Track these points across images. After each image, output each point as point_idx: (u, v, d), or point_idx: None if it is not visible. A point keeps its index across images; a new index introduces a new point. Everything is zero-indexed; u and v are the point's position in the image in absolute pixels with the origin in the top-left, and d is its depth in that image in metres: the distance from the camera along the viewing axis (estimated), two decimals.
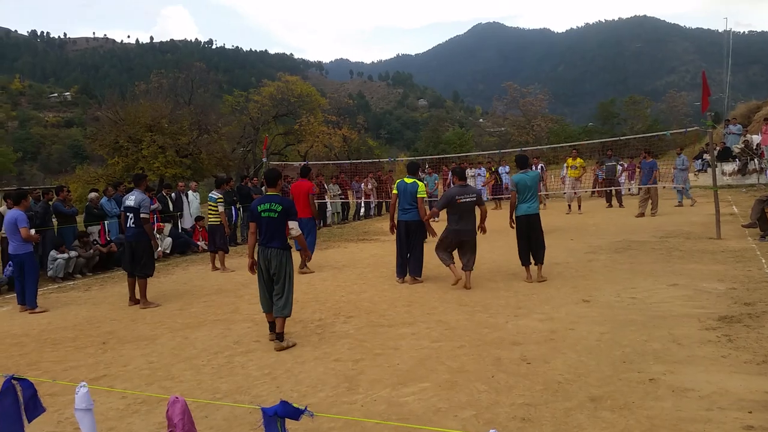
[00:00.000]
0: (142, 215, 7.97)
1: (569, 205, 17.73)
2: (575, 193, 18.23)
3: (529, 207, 8.12)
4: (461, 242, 7.98)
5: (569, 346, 5.26)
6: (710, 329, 5.43)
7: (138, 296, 8.17)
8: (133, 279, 8.22)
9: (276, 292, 5.79)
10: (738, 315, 5.81)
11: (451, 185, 8.37)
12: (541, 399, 4.12)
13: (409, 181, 8.62)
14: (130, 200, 8.08)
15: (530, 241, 8.09)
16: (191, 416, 2.59)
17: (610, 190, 18.68)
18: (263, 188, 15.76)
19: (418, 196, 8.48)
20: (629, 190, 20.73)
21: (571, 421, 3.75)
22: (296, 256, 6.28)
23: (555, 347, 5.22)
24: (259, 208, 5.80)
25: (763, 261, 8.45)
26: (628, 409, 3.85)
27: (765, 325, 5.41)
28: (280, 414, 2.34)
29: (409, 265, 8.72)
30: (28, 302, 8.17)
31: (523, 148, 23.75)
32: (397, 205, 8.73)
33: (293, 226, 5.79)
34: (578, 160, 17.58)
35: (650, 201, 15.25)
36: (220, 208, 10.99)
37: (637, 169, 17.76)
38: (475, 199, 7.87)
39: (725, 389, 4.06)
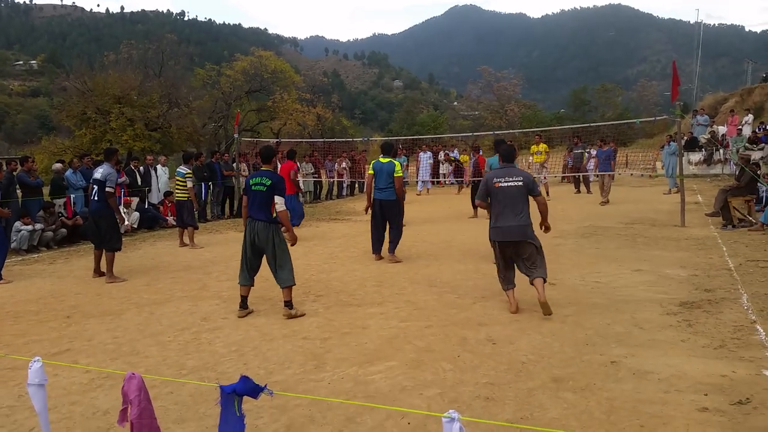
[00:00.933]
0: (107, 189, 7.84)
1: None
2: (544, 178, 18.37)
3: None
4: (513, 248, 5.82)
5: (534, 327, 5.35)
6: (671, 314, 5.58)
7: (104, 269, 8.05)
8: (99, 251, 8.14)
9: (270, 265, 6.03)
10: (698, 301, 5.97)
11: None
12: (505, 379, 4.20)
13: (384, 161, 8.71)
14: (98, 173, 7.94)
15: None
16: (148, 393, 2.57)
17: (578, 177, 18.92)
18: (234, 164, 15.68)
19: (395, 175, 8.60)
20: (596, 176, 21.03)
21: (533, 401, 3.83)
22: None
23: (520, 328, 5.31)
24: (251, 181, 6.05)
25: (725, 249, 8.69)
26: (589, 391, 3.94)
27: (723, 311, 5.58)
28: (239, 391, 2.33)
29: (389, 244, 8.90)
30: None
31: (496, 132, 23.83)
32: (372, 184, 8.83)
33: (279, 201, 5.92)
34: (542, 145, 17.47)
35: (602, 188, 15.47)
36: (189, 184, 10.72)
37: (593, 159, 17.99)
38: (521, 183, 5.75)
39: (683, 372, 4.18)
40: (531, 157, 19.02)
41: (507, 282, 5.94)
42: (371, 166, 8.92)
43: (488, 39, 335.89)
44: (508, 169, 5.91)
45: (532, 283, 5.70)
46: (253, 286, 6.22)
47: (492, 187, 5.80)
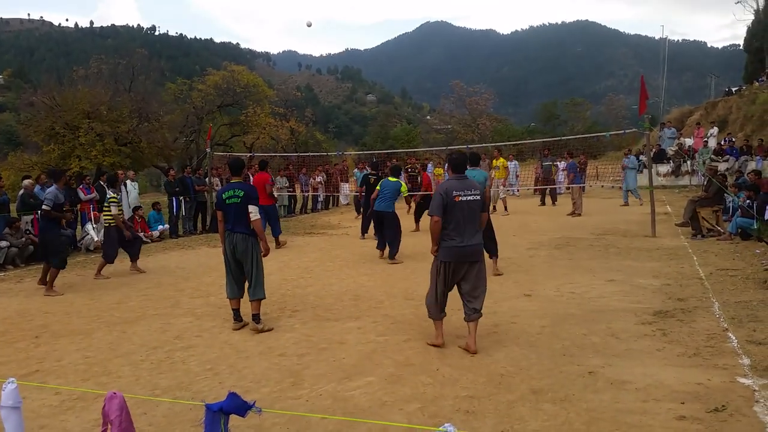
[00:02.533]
0: (43, 207, 8.30)
1: (494, 206, 16.19)
2: (515, 191, 18.44)
3: None
4: (465, 269, 5.13)
5: (511, 339, 5.36)
6: (646, 323, 5.64)
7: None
8: (47, 264, 8.49)
9: (247, 277, 6.05)
10: (672, 310, 6.06)
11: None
12: (485, 391, 4.18)
13: (392, 180, 10.55)
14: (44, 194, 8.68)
15: (485, 235, 8.13)
16: (129, 413, 2.49)
17: (545, 189, 19.06)
18: (208, 179, 15.50)
19: (402, 192, 10.77)
20: (568, 189, 21.29)
21: (513, 413, 3.81)
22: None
23: (498, 340, 5.31)
24: (223, 195, 6.06)
25: (695, 258, 8.85)
26: (568, 401, 3.95)
27: (696, 320, 5.67)
28: (226, 410, 2.26)
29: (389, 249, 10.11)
30: None
31: (469, 146, 24.02)
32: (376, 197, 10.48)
33: (253, 211, 5.94)
34: (500, 159, 17.33)
35: (572, 201, 15.63)
36: (114, 210, 9.35)
37: (563, 171, 18.21)
38: (479, 197, 5.16)
39: (660, 381, 4.22)
40: (493, 172, 19.00)
41: (441, 310, 5.28)
42: (380, 184, 10.69)
43: (460, 54, 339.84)
44: (464, 181, 5.21)
45: (466, 321, 5.10)
46: (242, 297, 6.18)
47: (450, 201, 5.01)
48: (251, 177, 12.88)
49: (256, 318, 5.98)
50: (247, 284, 6.08)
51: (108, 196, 9.51)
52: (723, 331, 5.27)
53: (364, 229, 12.77)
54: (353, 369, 4.77)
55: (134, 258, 9.86)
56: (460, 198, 5.03)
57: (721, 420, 3.58)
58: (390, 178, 10.58)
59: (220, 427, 2.28)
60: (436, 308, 5.26)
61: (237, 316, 6.18)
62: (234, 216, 5.97)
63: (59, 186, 8.60)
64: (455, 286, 5.25)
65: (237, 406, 2.26)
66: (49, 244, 8.38)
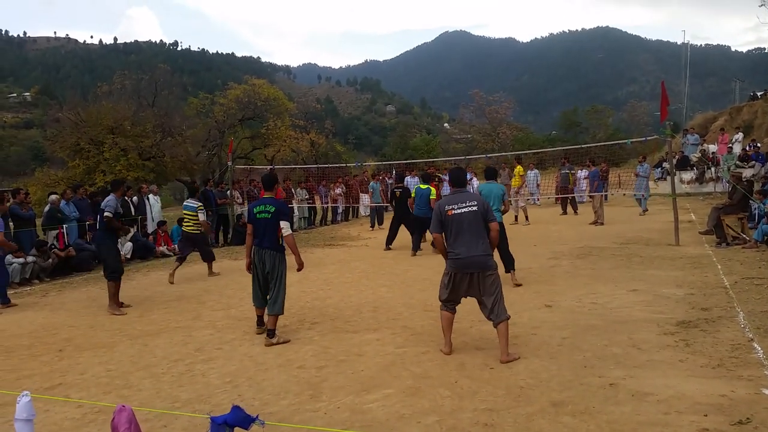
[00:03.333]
0: (105, 214, 7.94)
1: (515, 217, 16.67)
2: (536, 200, 18.16)
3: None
4: (468, 281, 5.21)
5: (531, 350, 5.31)
6: (668, 334, 5.55)
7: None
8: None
9: (270, 292, 6.15)
10: (695, 320, 5.95)
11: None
12: (504, 404, 4.15)
13: (423, 187, 12.01)
14: (103, 202, 8.23)
15: (499, 249, 8.12)
16: (138, 426, 2.52)
17: (567, 198, 18.88)
18: (230, 192, 15.67)
19: (431, 198, 11.69)
20: (591, 197, 21.06)
21: (532, 426, 3.78)
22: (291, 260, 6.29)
23: (517, 352, 5.26)
24: (255, 210, 6.17)
25: (719, 267, 8.69)
26: (588, 414, 3.89)
27: (720, 330, 5.56)
28: (230, 422, 2.29)
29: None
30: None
31: (489, 155, 23.92)
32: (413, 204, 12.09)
33: (284, 226, 6.07)
34: (517, 168, 17.14)
35: (593, 210, 15.46)
36: (201, 217, 10.33)
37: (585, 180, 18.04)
38: (475, 208, 5.20)
39: (682, 393, 4.14)
40: (512, 182, 18.88)
41: (448, 323, 5.42)
42: (414, 190, 12.37)
43: (479, 63, 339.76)
44: (459, 194, 5.36)
45: (496, 327, 5.12)
46: (266, 306, 6.31)
47: (445, 216, 5.21)
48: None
49: (270, 333, 6.02)
50: (270, 298, 6.16)
51: (195, 205, 10.37)
52: (748, 342, 5.16)
53: (389, 241, 12.85)
54: (371, 381, 4.77)
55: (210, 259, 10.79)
56: (453, 212, 5.20)
57: None
58: (421, 185, 12.15)
59: None
60: (444, 308, 5.43)
61: (261, 322, 6.39)
62: (263, 231, 6.08)
63: (117, 196, 8.22)
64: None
65: (241, 419, 2.29)
66: (107, 256, 8.10)
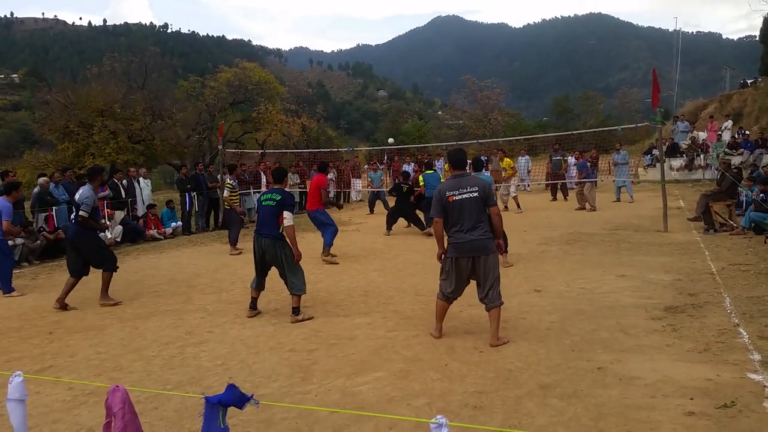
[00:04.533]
0: (80, 213, 7.03)
1: (506, 206, 16.23)
2: (527, 186, 18.15)
3: None
4: (470, 263, 5.17)
5: (520, 334, 5.36)
6: (656, 319, 5.62)
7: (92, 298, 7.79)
8: (75, 279, 7.26)
9: (283, 280, 6.29)
10: (682, 305, 6.03)
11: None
12: (493, 387, 4.20)
13: (429, 172, 12.50)
14: (77, 194, 7.27)
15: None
16: (132, 405, 2.53)
17: (557, 184, 18.92)
18: (220, 176, 15.57)
19: (440, 180, 11.82)
20: (577, 185, 21.08)
21: (521, 408, 3.83)
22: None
23: (507, 336, 5.31)
24: (262, 198, 6.41)
25: (707, 253, 8.78)
26: (576, 397, 3.95)
27: (707, 315, 5.64)
28: (224, 402, 2.30)
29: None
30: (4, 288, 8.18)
31: (480, 141, 23.90)
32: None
33: (287, 216, 6.13)
34: (505, 160, 17.11)
35: (577, 197, 15.56)
36: (226, 193, 11.75)
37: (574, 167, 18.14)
38: (477, 194, 5.11)
39: (669, 377, 4.21)
40: (502, 172, 18.76)
41: (441, 312, 5.45)
42: (421, 177, 12.71)
43: (471, 49, 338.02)
44: (460, 179, 5.21)
45: (488, 312, 5.18)
46: (263, 290, 6.52)
47: (446, 202, 5.12)
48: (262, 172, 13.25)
49: (295, 310, 6.21)
50: (289, 282, 6.21)
51: (227, 181, 11.84)
52: (734, 327, 5.24)
53: (389, 226, 13.01)
54: (362, 364, 4.80)
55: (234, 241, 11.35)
56: (454, 197, 5.11)
57: (731, 416, 3.56)
58: (427, 171, 12.55)
59: (218, 418, 2.32)
60: (442, 297, 5.40)
61: (253, 304, 6.49)
62: (263, 218, 6.22)
63: (95, 186, 7.39)
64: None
65: (235, 398, 2.30)
66: (94, 252, 7.29)
